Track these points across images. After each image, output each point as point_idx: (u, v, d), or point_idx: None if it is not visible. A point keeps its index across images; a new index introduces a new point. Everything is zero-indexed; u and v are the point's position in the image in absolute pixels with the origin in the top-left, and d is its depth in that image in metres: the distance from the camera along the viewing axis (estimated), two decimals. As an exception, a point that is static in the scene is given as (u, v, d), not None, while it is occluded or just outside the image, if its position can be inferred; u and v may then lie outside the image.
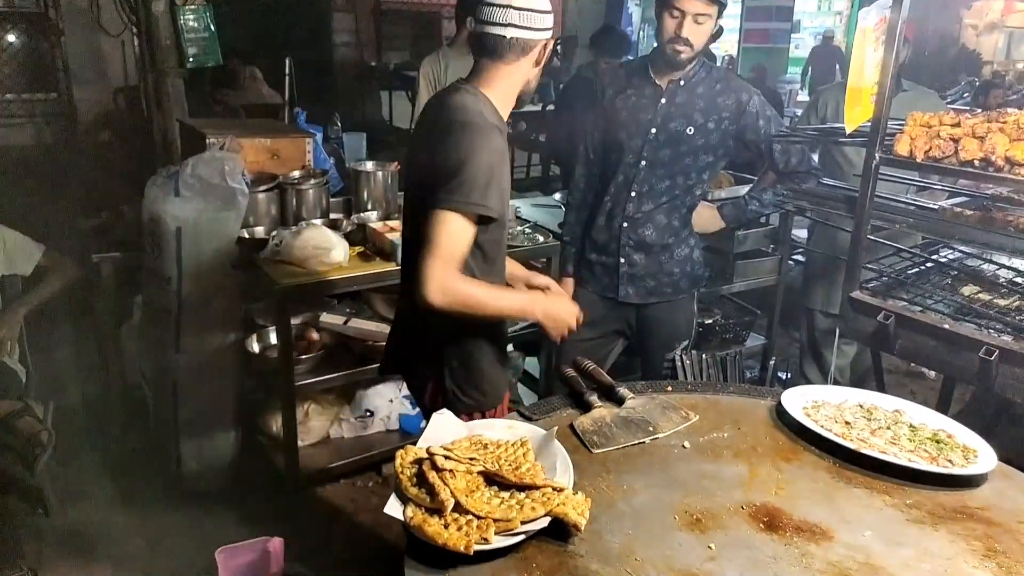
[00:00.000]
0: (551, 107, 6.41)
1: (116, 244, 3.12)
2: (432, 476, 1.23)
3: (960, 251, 2.16)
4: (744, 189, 3.80)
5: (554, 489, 1.24)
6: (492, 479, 1.27)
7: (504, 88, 1.71)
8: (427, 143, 1.69)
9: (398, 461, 1.30)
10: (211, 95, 5.77)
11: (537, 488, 1.24)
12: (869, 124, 1.85)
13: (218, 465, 3.01)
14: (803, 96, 11.08)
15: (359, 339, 2.98)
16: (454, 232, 1.55)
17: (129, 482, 3.05)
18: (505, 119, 1.73)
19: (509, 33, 1.63)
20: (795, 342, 4.78)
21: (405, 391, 3.29)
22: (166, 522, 2.81)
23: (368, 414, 3.20)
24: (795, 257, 4.69)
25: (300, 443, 2.96)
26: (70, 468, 3.07)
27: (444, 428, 1.44)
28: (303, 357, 2.82)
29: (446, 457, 1.27)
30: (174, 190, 2.68)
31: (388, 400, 3.23)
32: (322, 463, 3.02)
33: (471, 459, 1.30)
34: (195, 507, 2.90)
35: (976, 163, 1.66)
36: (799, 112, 9.41)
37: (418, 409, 3.24)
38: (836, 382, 3.69)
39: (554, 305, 1.79)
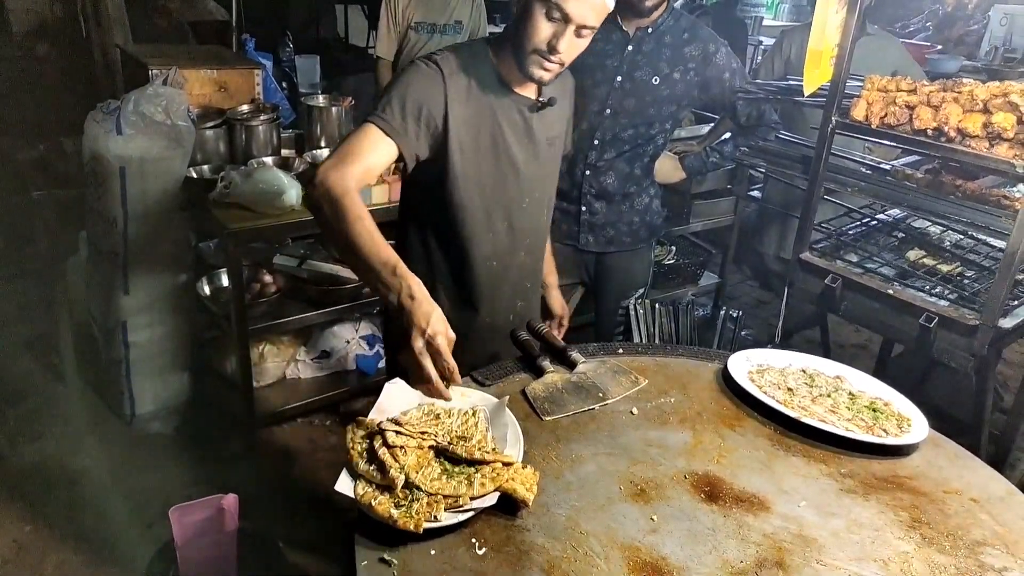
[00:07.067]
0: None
1: (57, 179, 2.98)
2: (383, 453, 1.24)
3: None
4: (704, 128, 3.78)
5: (503, 464, 1.26)
6: (443, 452, 1.30)
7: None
8: None
9: (349, 435, 1.31)
10: (154, 8, 5.45)
11: (487, 463, 1.26)
12: (827, 86, 1.84)
13: (172, 406, 3.01)
14: (769, 20, 10.90)
15: (314, 282, 2.95)
16: (359, 138, 1.59)
17: (82, 423, 3.03)
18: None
19: None
20: (747, 279, 4.87)
21: (363, 331, 3.29)
22: (120, 464, 2.82)
23: (325, 355, 3.20)
24: (752, 193, 4.71)
25: (256, 384, 2.97)
26: (20, 408, 3.04)
27: (396, 397, 1.44)
28: (256, 302, 2.79)
29: (397, 433, 1.28)
30: (115, 127, 2.56)
31: (345, 341, 3.23)
32: (278, 404, 3.04)
33: (422, 433, 1.31)
34: (149, 449, 2.91)
35: (929, 132, 1.66)
36: (764, 40, 9.25)
37: (375, 349, 3.25)
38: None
39: (431, 306, 1.39)
